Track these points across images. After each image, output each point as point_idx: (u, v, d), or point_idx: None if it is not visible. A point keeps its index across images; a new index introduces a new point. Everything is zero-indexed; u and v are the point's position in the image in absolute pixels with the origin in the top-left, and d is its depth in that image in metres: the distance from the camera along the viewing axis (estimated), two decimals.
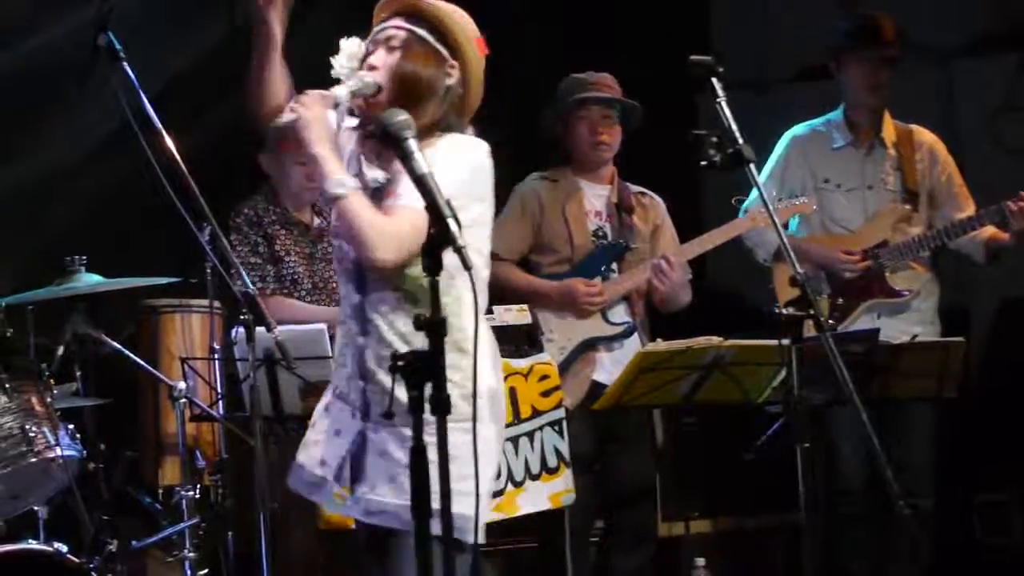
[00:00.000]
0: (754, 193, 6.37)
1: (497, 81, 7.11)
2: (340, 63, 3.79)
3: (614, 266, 6.18)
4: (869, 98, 6.27)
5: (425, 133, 3.70)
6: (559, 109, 6.20)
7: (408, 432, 3.35)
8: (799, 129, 6.40)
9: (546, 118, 6.23)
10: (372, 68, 3.80)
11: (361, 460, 3.80)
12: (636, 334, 6.09)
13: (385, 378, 3.68)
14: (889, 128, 6.32)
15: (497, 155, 6.86)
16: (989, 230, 6.16)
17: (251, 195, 6.04)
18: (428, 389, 3.22)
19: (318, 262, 6.01)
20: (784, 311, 4.54)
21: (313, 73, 3.88)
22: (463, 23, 3.89)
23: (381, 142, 3.55)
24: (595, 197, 6.26)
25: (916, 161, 6.28)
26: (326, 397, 3.97)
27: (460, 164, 3.76)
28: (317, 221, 6.05)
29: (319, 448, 3.91)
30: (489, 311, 5.74)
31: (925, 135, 6.37)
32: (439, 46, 3.84)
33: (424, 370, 3.22)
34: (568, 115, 6.19)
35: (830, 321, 6.20)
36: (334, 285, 6.00)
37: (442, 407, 3.20)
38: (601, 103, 6.13)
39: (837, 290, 6.26)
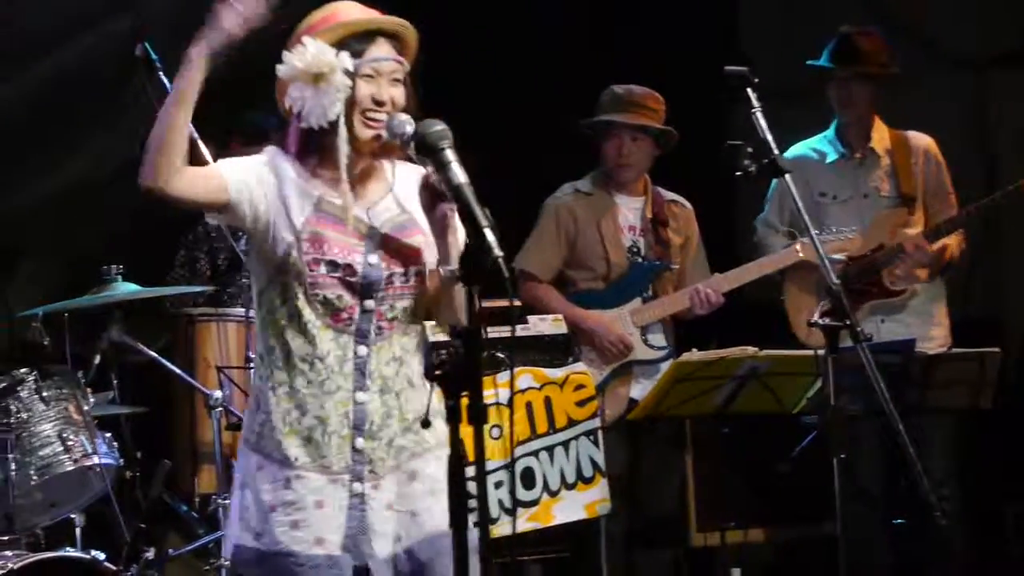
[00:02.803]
0: (767, 206, 6.40)
1: (526, 89, 7.21)
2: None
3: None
4: (842, 114, 6.32)
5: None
6: (593, 124, 6.20)
7: None
8: (795, 149, 6.43)
9: (582, 128, 6.22)
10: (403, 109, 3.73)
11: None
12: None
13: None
14: (882, 136, 6.34)
15: (531, 163, 6.91)
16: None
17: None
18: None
19: None
20: (820, 321, 4.54)
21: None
22: None
23: (417, 151, 3.55)
24: (629, 211, 6.24)
25: (912, 165, 6.30)
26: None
27: None
28: None
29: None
30: (524, 321, 5.75)
31: (920, 139, 6.39)
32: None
33: (462, 380, 3.23)
34: (600, 131, 6.19)
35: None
36: None
37: (479, 417, 3.20)
38: (627, 129, 6.13)
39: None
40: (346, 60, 3.65)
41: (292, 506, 3.67)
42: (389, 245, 3.73)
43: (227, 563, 5.49)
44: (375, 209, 3.77)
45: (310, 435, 3.68)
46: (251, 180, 3.69)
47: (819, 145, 6.42)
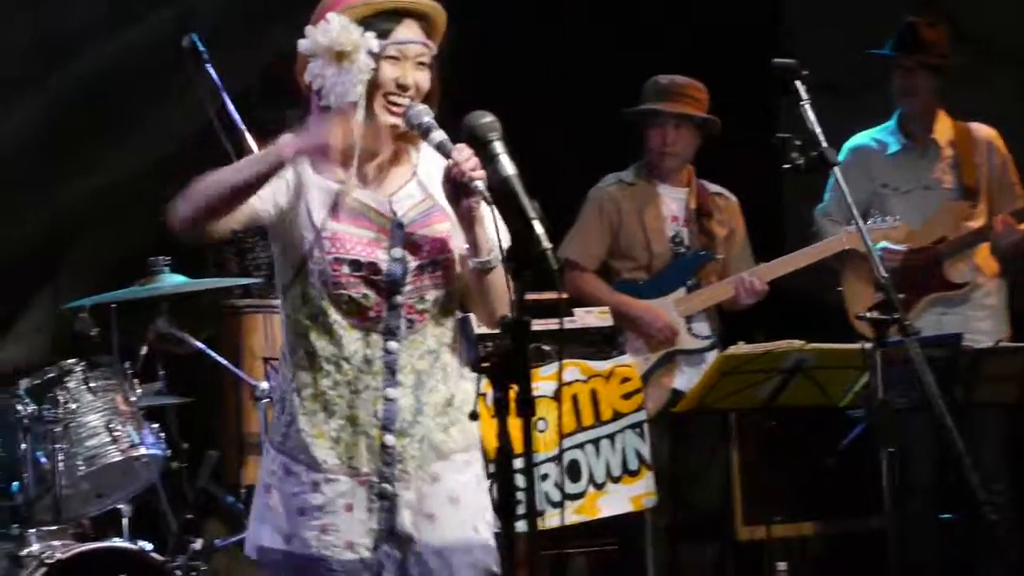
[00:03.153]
0: (827, 196, 6.37)
1: (567, 81, 7.19)
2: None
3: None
4: (905, 104, 6.27)
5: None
6: (635, 114, 6.18)
7: None
8: (857, 139, 6.40)
9: (625, 117, 6.20)
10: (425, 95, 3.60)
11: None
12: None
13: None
14: (944, 127, 6.30)
15: (572, 155, 6.89)
16: None
17: None
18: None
19: None
20: (868, 315, 4.52)
21: None
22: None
23: (467, 142, 3.50)
24: (673, 201, 6.23)
25: (975, 157, 6.26)
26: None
27: None
28: None
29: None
30: (570, 313, 5.74)
31: (983, 130, 6.35)
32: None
33: (510, 371, 3.21)
34: (642, 120, 6.18)
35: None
36: None
37: (528, 409, 3.19)
38: (670, 117, 6.11)
39: (896, 287, 6.23)
40: (371, 41, 3.51)
41: (321, 510, 3.58)
42: (414, 236, 3.59)
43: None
44: (397, 196, 3.63)
45: (338, 437, 3.57)
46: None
47: (881, 136, 6.38)
